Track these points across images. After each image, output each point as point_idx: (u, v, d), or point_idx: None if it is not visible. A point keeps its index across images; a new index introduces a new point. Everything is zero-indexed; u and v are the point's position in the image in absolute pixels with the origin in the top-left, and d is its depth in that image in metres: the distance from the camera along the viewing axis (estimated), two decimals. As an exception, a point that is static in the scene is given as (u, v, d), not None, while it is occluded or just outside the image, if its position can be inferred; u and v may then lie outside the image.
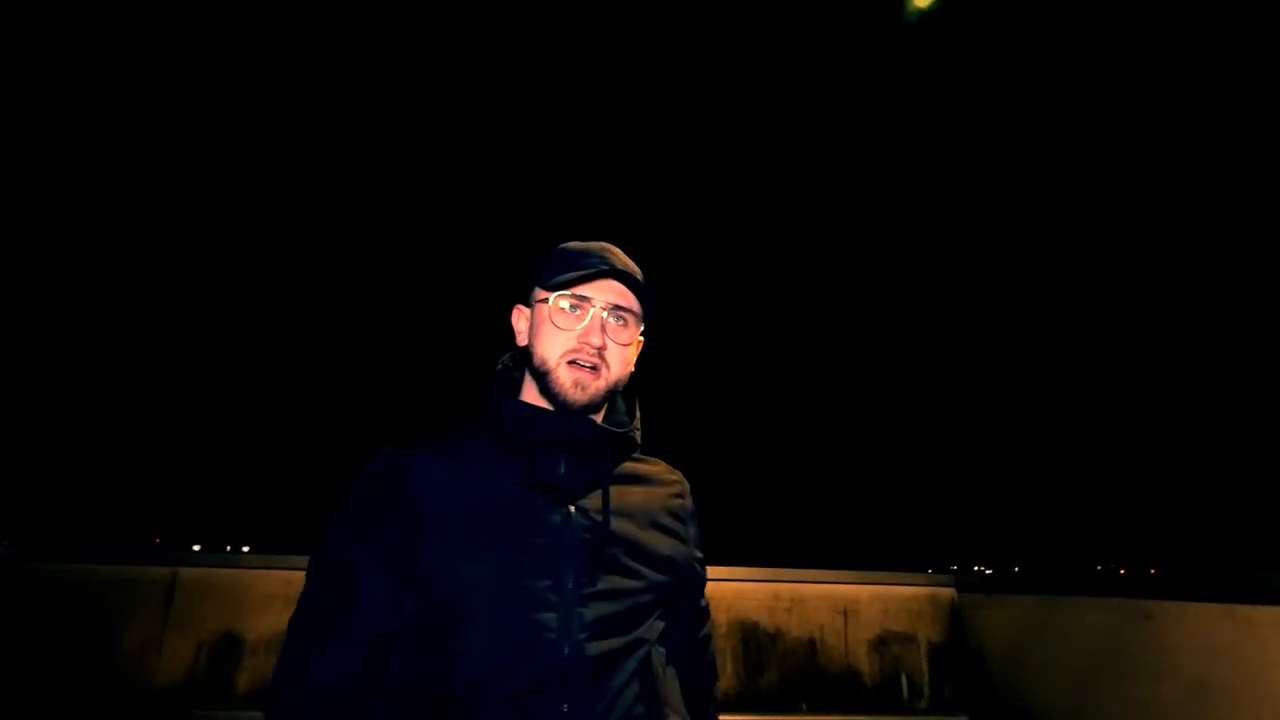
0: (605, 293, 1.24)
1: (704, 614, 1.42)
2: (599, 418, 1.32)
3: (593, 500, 1.23)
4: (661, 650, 1.25)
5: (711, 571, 4.86)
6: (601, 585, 1.18)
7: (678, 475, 1.40)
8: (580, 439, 1.23)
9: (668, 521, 1.31)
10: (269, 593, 4.30)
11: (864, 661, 4.98)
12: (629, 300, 1.26)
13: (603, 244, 1.30)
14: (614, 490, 1.26)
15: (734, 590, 4.80)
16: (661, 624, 1.26)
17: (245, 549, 4.41)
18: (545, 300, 1.24)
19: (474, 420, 1.28)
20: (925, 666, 5.06)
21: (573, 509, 1.21)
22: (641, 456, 1.37)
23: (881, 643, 5.03)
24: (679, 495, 1.36)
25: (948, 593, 5.19)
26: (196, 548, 4.49)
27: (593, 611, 1.16)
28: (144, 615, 4.14)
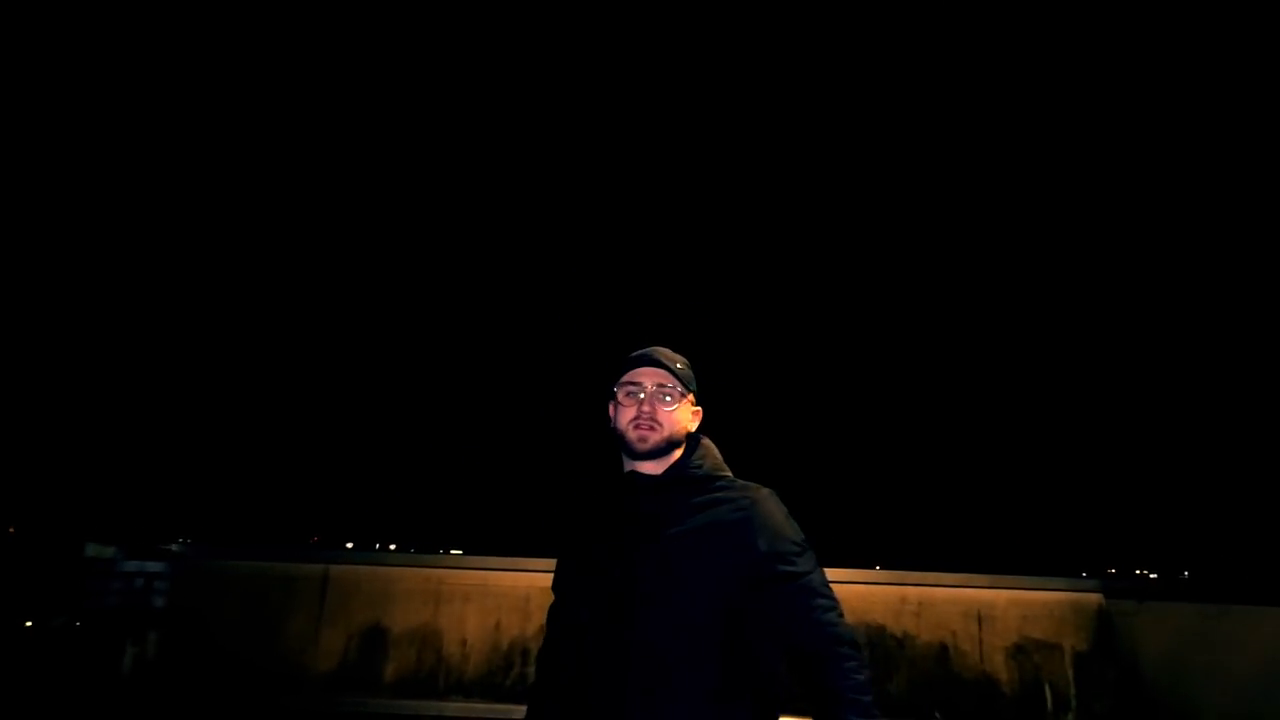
0: (650, 378, 1.77)
1: (788, 599, 1.68)
2: (661, 467, 1.78)
3: (656, 528, 1.67)
4: (725, 643, 1.59)
5: (831, 574, 4.78)
6: (651, 592, 1.59)
7: (748, 494, 1.75)
8: (643, 484, 1.74)
9: (723, 538, 1.66)
10: (410, 589, 4.59)
11: (1001, 669, 4.73)
12: (669, 380, 1.77)
13: (652, 347, 1.84)
14: (676, 518, 1.69)
15: (857, 593, 4.68)
16: (723, 621, 1.60)
17: (392, 547, 4.72)
18: (617, 392, 1.79)
19: (601, 477, 1.85)
20: (1071, 676, 4.75)
21: (638, 535, 1.66)
22: (723, 486, 1.76)
23: (1020, 650, 4.76)
24: (740, 509, 1.70)
25: (1094, 598, 4.85)
26: (350, 545, 4.84)
27: (647, 611, 1.57)
28: (302, 608, 4.52)
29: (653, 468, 1.76)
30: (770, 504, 1.74)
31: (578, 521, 1.82)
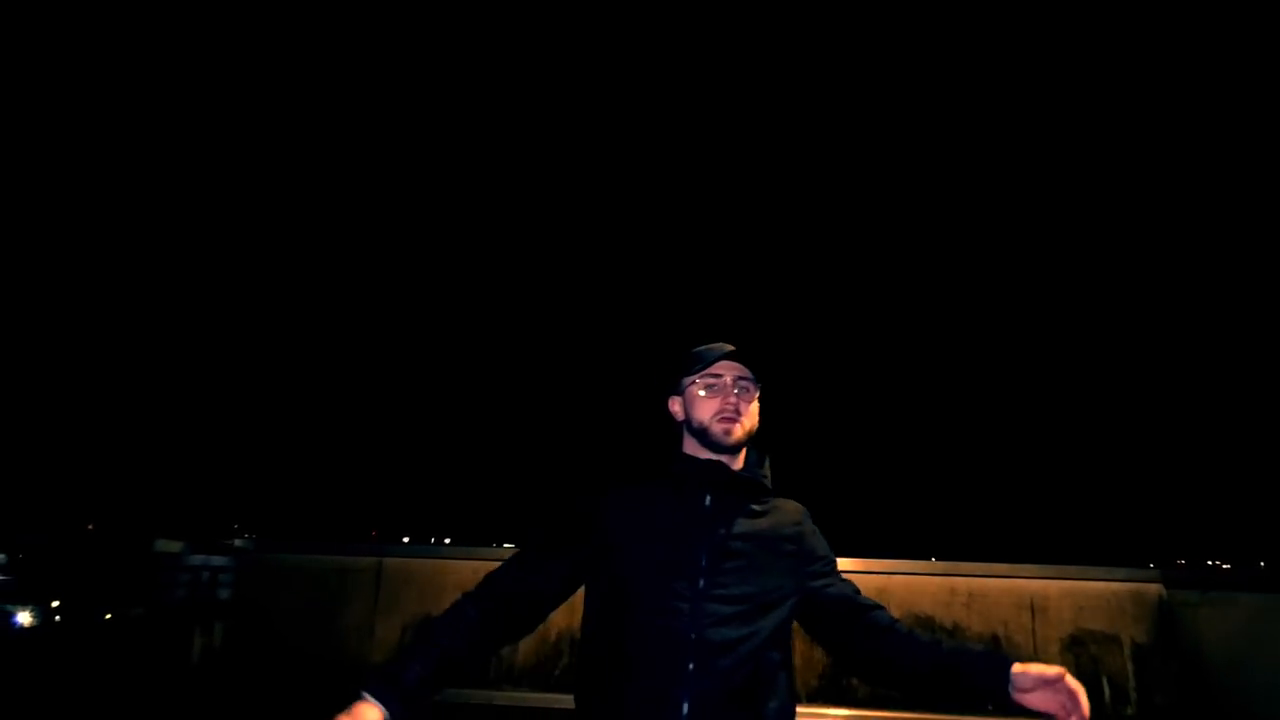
0: (730, 370, 1.79)
1: (849, 586, 1.84)
2: (737, 465, 1.81)
3: (727, 526, 1.71)
4: (774, 643, 1.67)
5: (879, 564, 4.75)
6: (723, 590, 1.63)
7: (796, 508, 1.86)
8: (719, 480, 1.75)
9: (784, 546, 1.76)
10: (461, 581, 4.70)
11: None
12: (746, 373, 1.80)
13: (719, 342, 1.83)
14: (743, 520, 1.74)
15: (904, 584, 4.63)
16: (778, 623, 1.69)
17: (447, 540, 4.85)
18: (693, 384, 1.80)
19: (653, 469, 1.84)
20: (1130, 670, 4.62)
21: (711, 532, 1.69)
22: (770, 498, 1.83)
23: (1076, 642, 4.65)
24: (796, 524, 1.81)
25: (1154, 589, 4.70)
26: (406, 539, 5.00)
27: (715, 608, 1.61)
28: (358, 600, 4.68)
29: (729, 461, 1.80)
30: (813, 522, 1.88)
31: (626, 499, 1.79)
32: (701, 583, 1.63)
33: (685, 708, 1.54)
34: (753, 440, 1.86)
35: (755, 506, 1.79)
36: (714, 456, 1.79)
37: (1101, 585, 4.69)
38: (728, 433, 1.75)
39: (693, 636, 1.59)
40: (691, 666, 1.57)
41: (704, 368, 1.80)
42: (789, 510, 1.84)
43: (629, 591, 1.66)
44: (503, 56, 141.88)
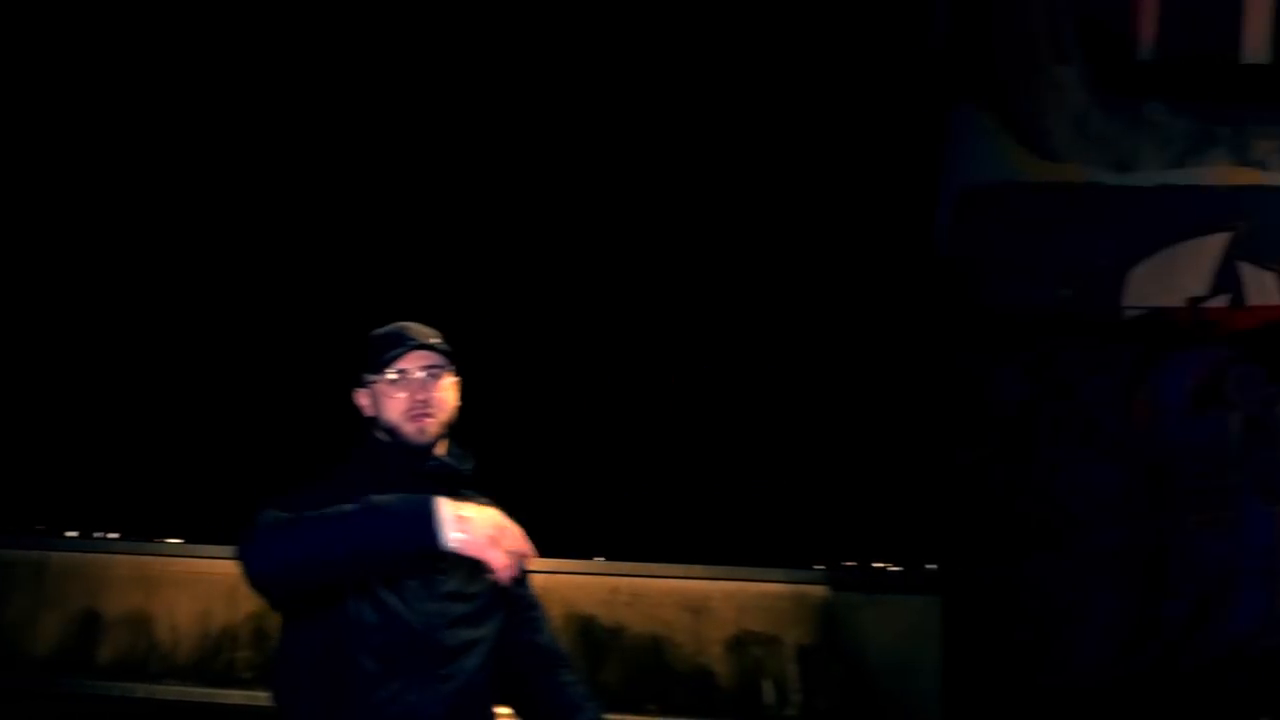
0: (417, 360, 1.63)
1: (533, 601, 1.75)
2: (438, 451, 1.67)
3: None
4: (496, 646, 1.59)
5: (544, 564, 4.75)
6: (449, 588, 1.49)
7: (494, 508, 1.66)
8: (422, 469, 1.62)
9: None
10: (124, 575, 4.75)
11: (719, 663, 4.67)
12: (435, 359, 1.64)
13: (402, 324, 1.71)
14: None
15: (567, 583, 4.66)
16: (500, 627, 1.58)
17: (115, 535, 4.87)
18: (377, 381, 1.64)
19: (348, 463, 1.66)
20: (793, 671, 4.66)
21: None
22: (472, 492, 1.67)
23: (739, 643, 4.69)
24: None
25: (819, 591, 4.74)
26: (73, 534, 5.03)
27: (447, 607, 1.48)
28: (20, 593, 4.71)
29: (429, 450, 1.65)
30: None
31: (321, 499, 1.49)
32: (424, 581, 1.47)
33: (426, 714, 1.41)
34: (453, 428, 1.69)
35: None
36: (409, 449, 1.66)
37: (764, 586, 4.73)
38: (421, 431, 1.59)
39: (429, 638, 1.45)
40: (430, 671, 1.43)
41: (384, 359, 1.62)
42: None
43: (344, 594, 1.43)
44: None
